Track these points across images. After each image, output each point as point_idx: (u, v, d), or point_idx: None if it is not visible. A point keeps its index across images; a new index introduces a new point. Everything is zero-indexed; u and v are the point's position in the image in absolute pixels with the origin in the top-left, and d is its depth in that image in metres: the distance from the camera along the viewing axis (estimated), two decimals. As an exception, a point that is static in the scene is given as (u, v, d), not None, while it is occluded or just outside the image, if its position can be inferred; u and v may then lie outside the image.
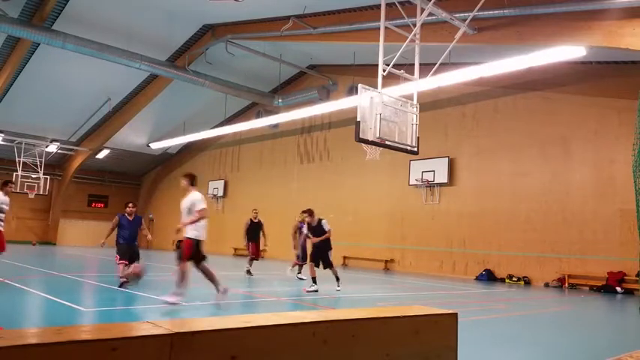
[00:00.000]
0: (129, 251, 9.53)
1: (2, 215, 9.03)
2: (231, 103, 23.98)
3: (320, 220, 10.52)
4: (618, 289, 13.34)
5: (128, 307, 7.55)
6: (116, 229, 9.74)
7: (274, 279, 13.23)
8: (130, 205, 10.10)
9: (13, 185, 9.74)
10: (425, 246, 18.25)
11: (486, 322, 7.59)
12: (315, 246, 10.57)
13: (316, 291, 9.97)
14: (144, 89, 22.21)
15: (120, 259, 9.47)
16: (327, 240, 10.52)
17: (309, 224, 10.72)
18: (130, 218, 9.88)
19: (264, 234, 13.48)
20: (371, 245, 19.89)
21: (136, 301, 7.87)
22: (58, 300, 7.71)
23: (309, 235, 10.84)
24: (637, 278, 13.13)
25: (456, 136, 17.91)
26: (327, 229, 10.48)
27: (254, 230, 13.37)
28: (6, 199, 9.18)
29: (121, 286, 9.08)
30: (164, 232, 31.84)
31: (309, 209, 10.82)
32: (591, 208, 14.44)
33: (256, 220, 13.46)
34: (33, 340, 2.07)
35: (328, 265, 10.54)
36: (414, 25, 9.79)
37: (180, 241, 7.49)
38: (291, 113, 20.36)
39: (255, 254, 13.38)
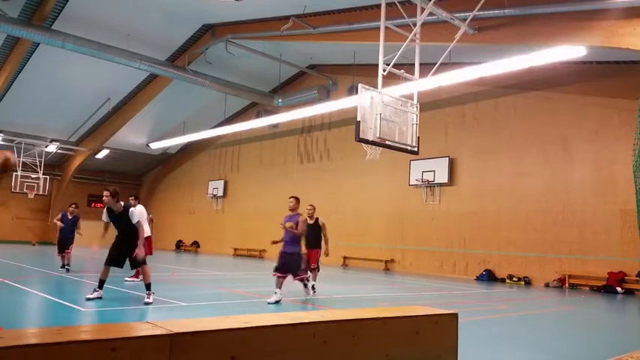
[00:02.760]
0: (64, 243, 12.36)
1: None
2: (231, 103, 23.98)
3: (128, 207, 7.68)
4: (619, 289, 13.34)
5: (128, 307, 7.53)
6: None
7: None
8: (73, 205, 12.96)
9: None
10: (425, 246, 18.24)
11: (486, 322, 7.58)
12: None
13: (100, 298, 7.58)
14: (144, 89, 22.19)
15: (58, 252, 12.43)
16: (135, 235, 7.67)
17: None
18: (70, 217, 12.64)
19: (325, 238, 9.94)
20: (371, 245, 19.88)
21: (135, 301, 7.86)
22: (58, 300, 7.71)
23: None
24: (637, 278, 13.13)
25: (456, 136, 17.90)
26: (134, 221, 7.60)
27: (311, 233, 9.62)
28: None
29: (63, 267, 12.23)
30: (164, 232, 31.87)
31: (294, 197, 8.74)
32: (592, 208, 14.43)
33: (312, 221, 9.71)
34: (33, 340, 2.07)
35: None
36: (414, 25, 9.79)
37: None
38: (291, 113, 20.35)
39: (308, 263, 9.59)
